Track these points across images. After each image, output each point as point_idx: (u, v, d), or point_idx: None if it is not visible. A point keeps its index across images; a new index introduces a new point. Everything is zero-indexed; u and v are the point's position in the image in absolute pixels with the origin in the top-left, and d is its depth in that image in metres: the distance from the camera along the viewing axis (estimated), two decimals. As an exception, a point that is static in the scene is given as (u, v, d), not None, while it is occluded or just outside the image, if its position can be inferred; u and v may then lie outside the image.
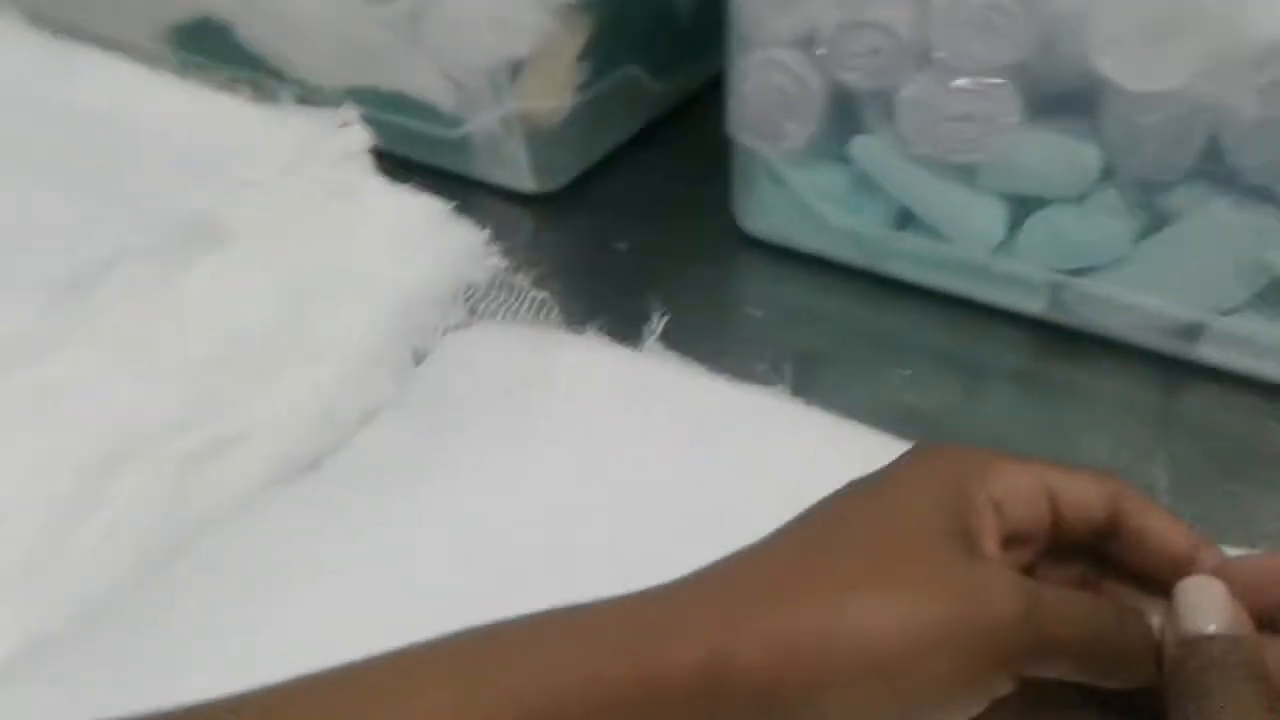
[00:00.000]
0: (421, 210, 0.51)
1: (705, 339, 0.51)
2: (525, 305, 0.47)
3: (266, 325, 0.44)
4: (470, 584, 0.35)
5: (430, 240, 0.50)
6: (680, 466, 0.39)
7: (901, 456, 0.30)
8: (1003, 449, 0.30)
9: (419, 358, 0.47)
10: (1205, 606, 0.28)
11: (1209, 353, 0.49)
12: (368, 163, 0.52)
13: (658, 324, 0.46)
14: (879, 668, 0.25)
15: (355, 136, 0.52)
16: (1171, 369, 0.50)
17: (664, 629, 0.25)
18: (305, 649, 0.32)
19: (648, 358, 0.44)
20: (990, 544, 0.28)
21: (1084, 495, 0.30)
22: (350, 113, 0.52)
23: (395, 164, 0.57)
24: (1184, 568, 0.29)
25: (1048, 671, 0.27)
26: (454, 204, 0.53)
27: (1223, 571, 0.29)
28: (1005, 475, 0.29)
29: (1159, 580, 0.30)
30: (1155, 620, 0.29)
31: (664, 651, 0.25)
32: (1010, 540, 0.29)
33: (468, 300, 0.50)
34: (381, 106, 0.59)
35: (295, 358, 0.44)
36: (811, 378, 0.49)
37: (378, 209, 0.50)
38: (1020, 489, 0.29)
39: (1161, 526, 0.30)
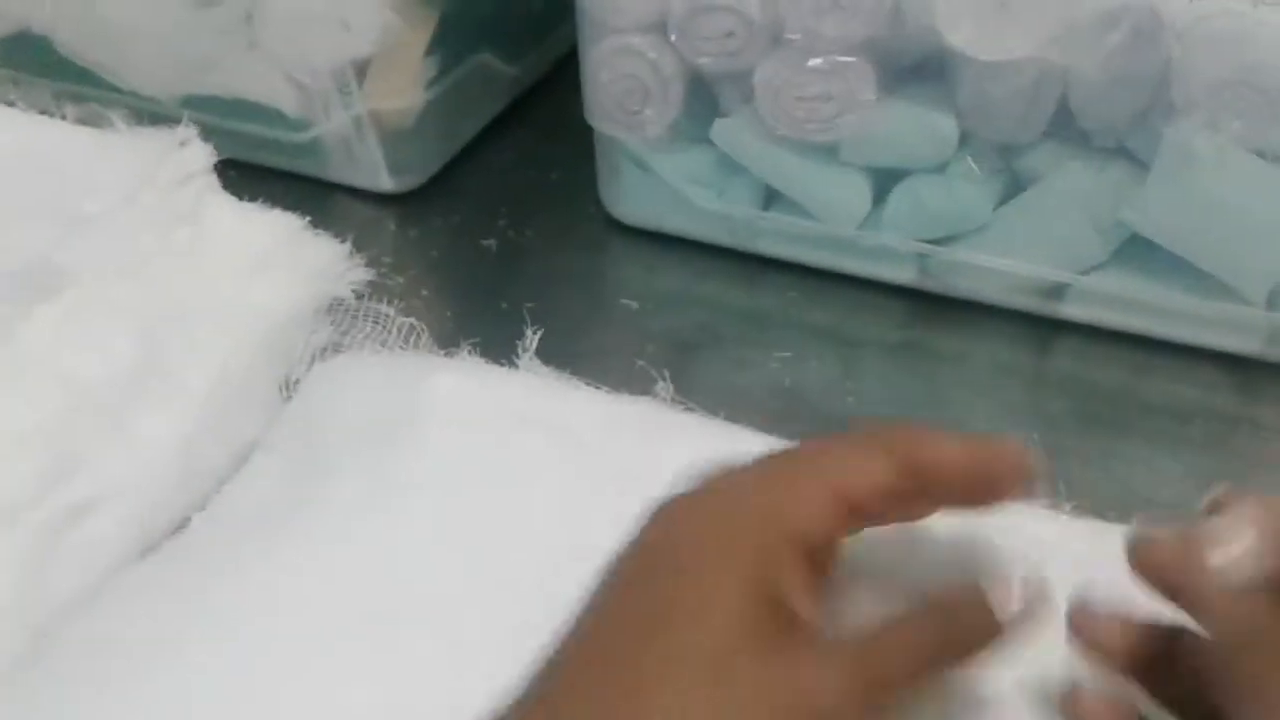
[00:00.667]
0: (273, 228, 0.49)
1: (582, 336, 0.50)
2: (395, 328, 0.46)
3: (117, 373, 0.42)
4: (348, 642, 0.34)
5: (286, 259, 0.48)
6: (562, 493, 0.38)
7: (667, 520, 0.29)
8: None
9: (287, 387, 0.45)
10: None
11: (1075, 311, 0.50)
12: (213, 182, 0.50)
13: (532, 340, 0.45)
14: None
15: (196, 155, 0.50)
16: (1042, 329, 0.51)
17: None
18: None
19: (524, 377, 0.43)
20: (799, 595, 0.27)
21: (871, 473, 0.29)
22: (188, 130, 0.50)
23: (247, 172, 0.55)
24: (989, 484, 0.30)
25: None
26: (311, 212, 0.52)
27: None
28: (793, 502, 0.28)
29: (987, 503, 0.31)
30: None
31: None
32: (824, 551, 0.29)
33: (333, 320, 0.48)
34: (224, 114, 0.56)
35: (152, 406, 0.41)
36: (691, 367, 0.49)
37: (227, 231, 0.48)
38: (813, 509, 0.28)
39: (950, 454, 0.30)
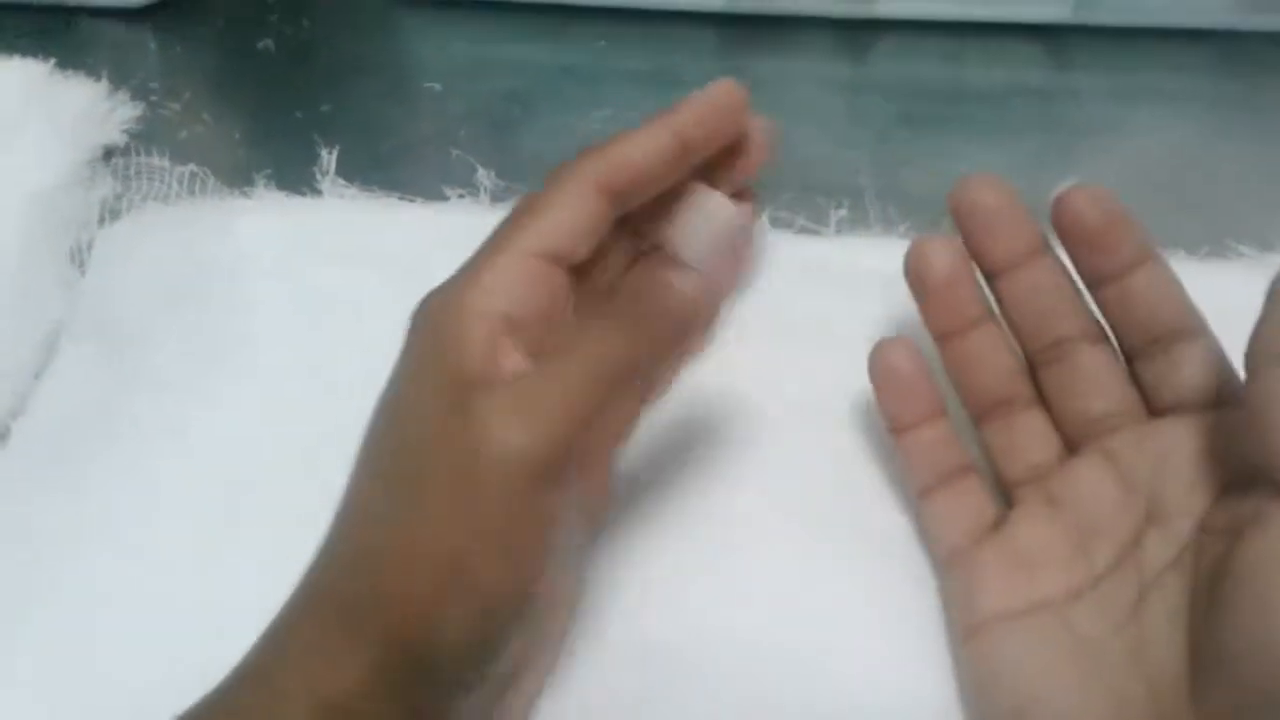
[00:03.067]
0: (16, 79, 0.44)
1: (388, 133, 0.47)
2: (175, 178, 0.41)
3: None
4: (217, 522, 0.33)
5: (39, 113, 0.43)
6: (391, 324, 0.36)
7: (406, 334, 0.28)
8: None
9: (79, 255, 0.41)
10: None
11: (887, 7, 0.48)
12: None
13: (330, 161, 0.42)
14: (439, 611, 0.24)
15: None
16: (858, 35, 0.49)
17: (265, 707, 0.24)
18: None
19: (330, 206, 0.40)
20: (506, 367, 0.26)
21: (580, 225, 0.28)
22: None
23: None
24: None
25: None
26: (53, 48, 0.46)
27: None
28: (490, 285, 0.27)
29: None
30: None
31: None
32: (542, 319, 0.28)
33: (111, 169, 0.44)
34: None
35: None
36: (509, 144, 0.46)
37: (-39, 95, 0.42)
38: (513, 283, 0.27)
39: (637, 153, 0.29)
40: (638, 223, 0.32)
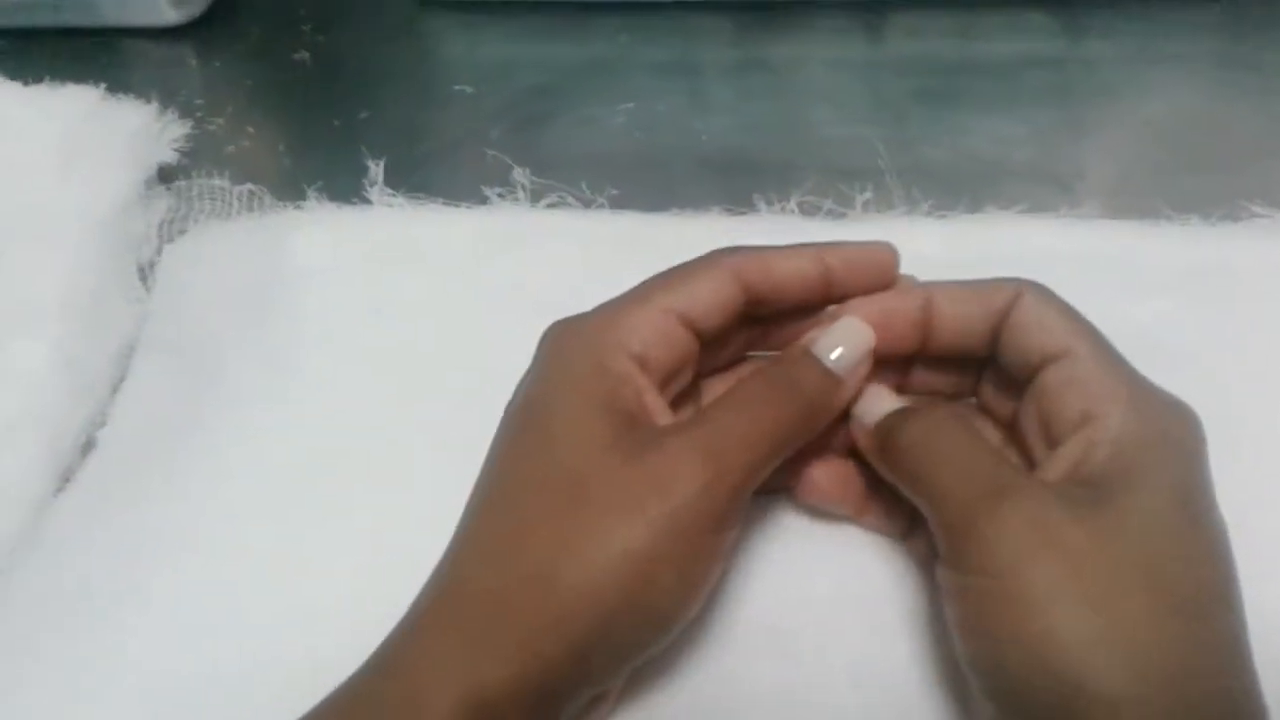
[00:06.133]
0: (70, 107, 0.46)
1: (425, 137, 0.49)
2: (234, 198, 0.44)
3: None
4: (305, 518, 0.35)
5: (95, 139, 0.45)
6: (454, 322, 0.39)
7: (536, 357, 0.30)
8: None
9: (145, 272, 0.44)
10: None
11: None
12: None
13: (377, 172, 0.44)
14: (614, 623, 0.27)
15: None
16: (870, 16, 0.50)
17: (408, 702, 0.26)
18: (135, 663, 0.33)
19: (381, 214, 0.42)
20: (651, 408, 0.29)
21: (712, 300, 0.30)
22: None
23: (13, 41, 0.50)
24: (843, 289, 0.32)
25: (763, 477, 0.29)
26: (100, 73, 0.48)
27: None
28: (631, 327, 0.30)
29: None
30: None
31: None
32: (670, 374, 0.31)
33: (167, 186, 0.46)
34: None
35: (13, 333, 0.40)
36: (540, 141, 0.48)
37: (18, 126, 0.45)
38: (649, 330, 0.30)
39: (790, 269, 0.31)
40: (766, 330, 0.34)
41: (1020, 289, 0.30)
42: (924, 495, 0.29)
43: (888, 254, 0.32)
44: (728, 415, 0.29)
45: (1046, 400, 0.29)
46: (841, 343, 0.31)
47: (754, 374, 0.30)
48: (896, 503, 0.32)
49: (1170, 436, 0.28)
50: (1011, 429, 0.32)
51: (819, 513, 0.34)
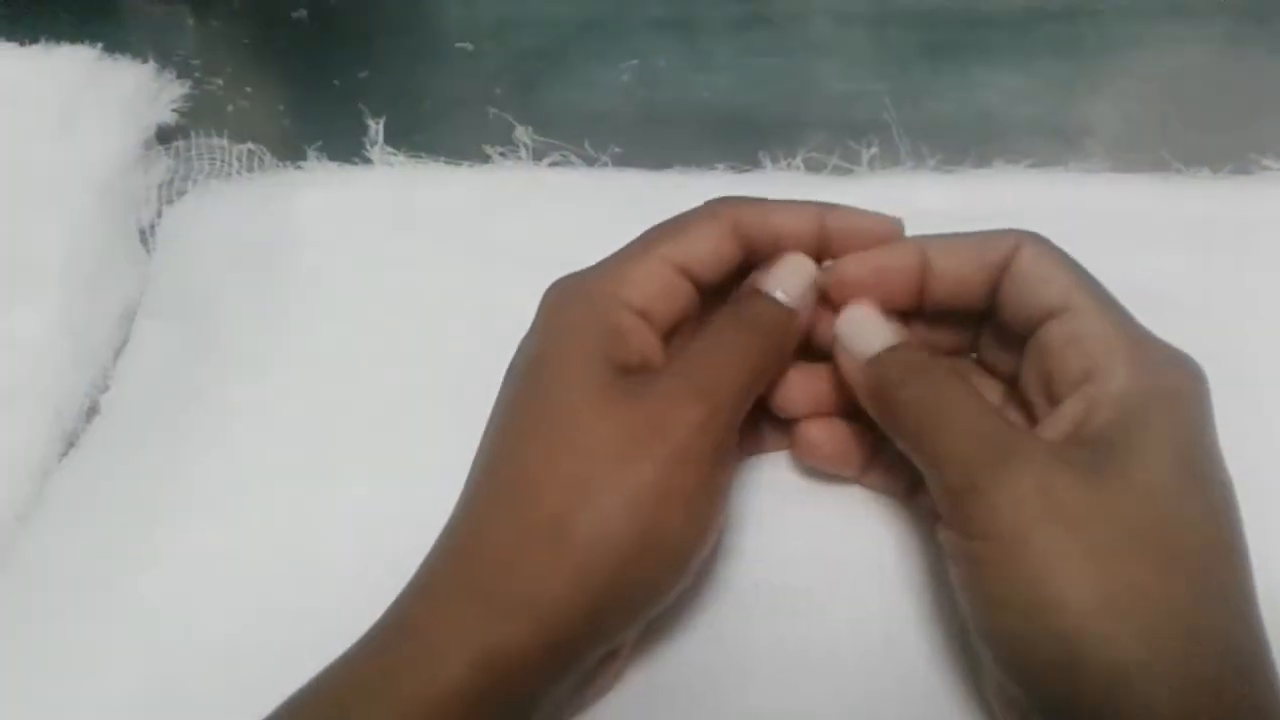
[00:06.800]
0: (67, 68, 0.45)
1: (426, 96, 0.48)
2: (234, 156, 0.43)
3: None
4: (318, 477, 0.35)
5: (92, 100, 0.45)
6: (462, 281, 0.38)
7: (537, 316, 0.30)
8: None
9: (146, 235, 0.43)
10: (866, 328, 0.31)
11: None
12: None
13: (377, 131, 0.43)
14: (629, 567, 0.27)
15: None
16: (876, -32, 0.50)
17: (423, 661, 0.26)
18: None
19: (383, 174, 0.42)
20: (654, 361, 0.30)
21: (709, 251, 0.31)
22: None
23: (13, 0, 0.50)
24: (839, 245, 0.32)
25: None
26: (97, 31, 0.47)
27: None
28: (632, 281, 0.30)
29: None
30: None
31: (433, 679, 0.25)
32: (673, 326, 0.31)
33: (166, 149, 0.45)
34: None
35: (16, 299, 0.40)
36: (543, 100, 0.47)
37: (15, 88, 0.44)
38: (651, 283, 0.30)
39: (778, 218, 0.31)
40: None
41: (1019, 240, 0.30)
42: (924, 456, 0.29)
43: (891, 228, 0.32)
44: (706, 354, 0.29)
45: (1047, 356, 0.29)
46: (784, 278, 0.31)
47: (718, 314, 0.31)
48: (899, 462, 0.32)
49: (1174, 391, 0.28)
50: (1012, 385, 0.32)
51: (823, 473, 0.34)
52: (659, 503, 0.27)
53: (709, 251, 0.31)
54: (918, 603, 0.32)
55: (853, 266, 0.31)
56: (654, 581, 0.28)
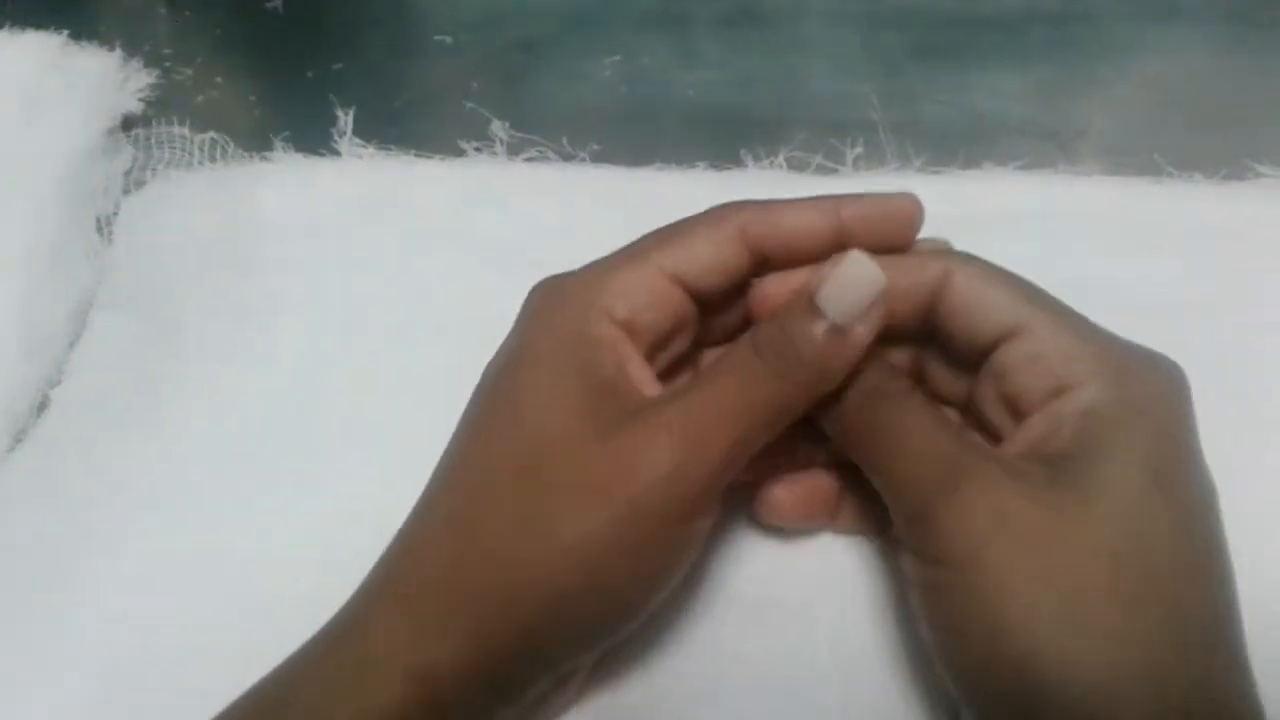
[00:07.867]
0: (31, 54, 0.44)
1: (402, 87, 0.47)
2: (197, 146, 0.42)
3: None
4: (277, 480, 0.34)
5: (57, 86, 0.43)
6: (426, 278, 0.37)
7: (518, 319, 0.28)
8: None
9: (104, 225, 0.42)
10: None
11: (896, -63, 0.48)
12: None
13: (346, 121, 0.42)
14: (568, 606, 0.25)
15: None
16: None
17: (359, 673, 0.25)
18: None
19: (350, 165, 0.41)
20: (635, 378, 0.27)
21: (711, 258, 0.28)
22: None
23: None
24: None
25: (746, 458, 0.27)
26: (66, 18, 0.46)
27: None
28: (618, 289, 0.27)
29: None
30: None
31: (370, 696, 0.24)
32: (661, 340, 0.28)
33: (130, 138, 0.44)
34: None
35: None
36: (522, 95, 0.46)
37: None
38: (639, 292, 0.27)
39: (789, 219, 0.28)
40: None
41: (947, 268, 0.27)
42: (880, 480, 0.27)
43: (909, 205, 0.28)
44: (709, 389, 0.26)
45: (1008, 379, 0.27)
46: (834, 291, 0.26)
47: (743, 338, 0.27)
48: (868, 505, 0.30)
49: (1145, 398, 0.26)
50: (966, 411, 0.30)
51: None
52: (606, 553, 0.25)
53: (710, 258, 0.28)
54: (895, 617, 0.31)
55: (774, 286, 0.28)
56: (599, 621, 0.26)
